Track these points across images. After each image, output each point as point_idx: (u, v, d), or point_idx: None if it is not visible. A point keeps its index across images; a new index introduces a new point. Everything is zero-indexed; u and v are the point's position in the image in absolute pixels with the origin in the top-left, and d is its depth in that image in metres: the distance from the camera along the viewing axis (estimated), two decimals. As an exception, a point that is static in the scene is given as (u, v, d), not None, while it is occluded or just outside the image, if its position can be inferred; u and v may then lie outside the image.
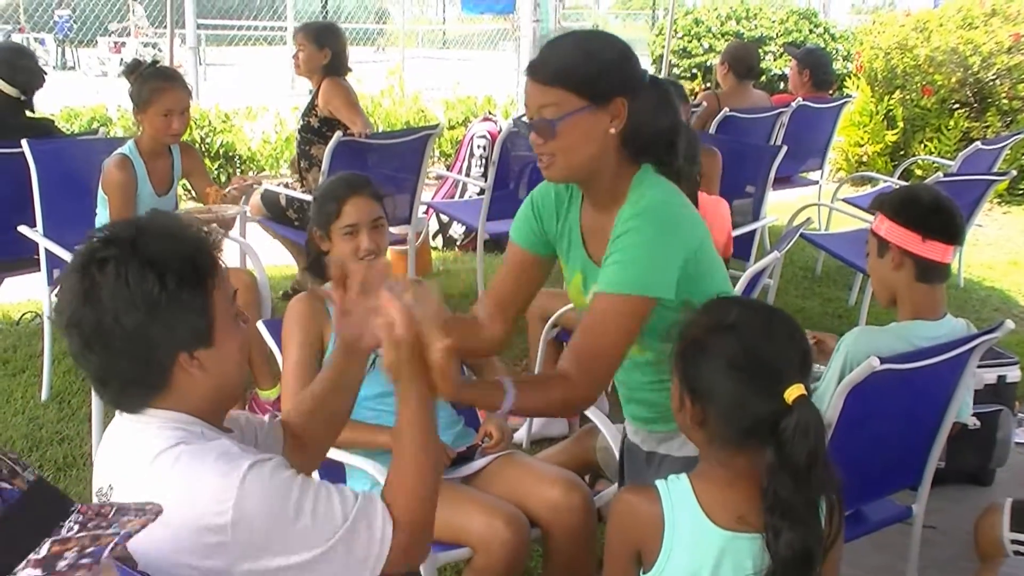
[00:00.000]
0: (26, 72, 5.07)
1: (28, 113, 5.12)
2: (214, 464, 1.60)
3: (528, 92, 2.15)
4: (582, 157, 2.15)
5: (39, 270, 4.55)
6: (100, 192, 4.32)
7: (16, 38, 18.53)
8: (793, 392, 1.78)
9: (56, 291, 4.67)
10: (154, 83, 4.22)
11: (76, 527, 1.23)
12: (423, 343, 1.74)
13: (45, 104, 6.19)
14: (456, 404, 2.98)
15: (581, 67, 2.11)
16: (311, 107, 5.64)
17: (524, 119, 2.18)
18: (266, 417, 2.04)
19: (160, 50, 18.53)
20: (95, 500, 1.70)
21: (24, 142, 4.44)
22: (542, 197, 2.38)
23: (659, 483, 1.92)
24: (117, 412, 1.74)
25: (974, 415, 3.30)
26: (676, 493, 1.90)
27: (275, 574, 1.60)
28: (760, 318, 1.88)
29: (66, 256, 4.22)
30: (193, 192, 4.63)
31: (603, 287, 2.14)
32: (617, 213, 2.19)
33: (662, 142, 2.26)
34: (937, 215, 2.73)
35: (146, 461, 1.62)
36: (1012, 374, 4.13)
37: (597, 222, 2.28)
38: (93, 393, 4.02)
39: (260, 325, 3.15)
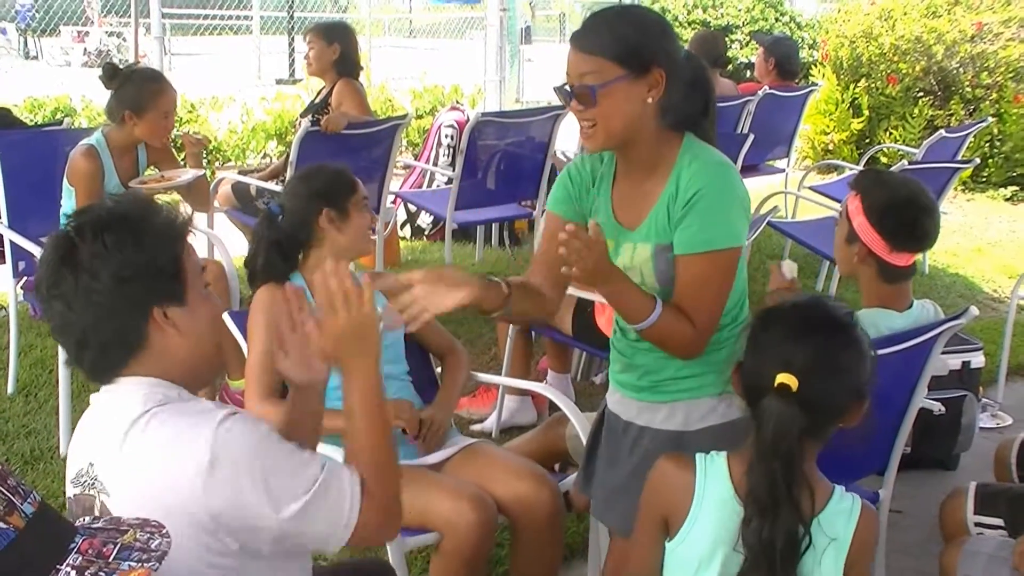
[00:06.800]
0: None
1: None
2: (191, 418, 1.65)
3: (570, 60, 2.25)
4: (620, 124, 2.25)
5: (3, 262, 4.49)
6: (65, 182, 4.25)
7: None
8: (781, 378, 1.84)
9: (22, 283, 4.62)
10: (152, 85, 4.21)
11: (73, 573, 1.24)
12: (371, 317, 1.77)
13: (8, 94, 6.11)
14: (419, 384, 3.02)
15: (622, 37, 2.21)
16: (324, 105, 5.60)
17: (566, 87, 2.26)
18: None
19: (124, 39, 18.34)
20: (70, 488, 1.73)
21: (-12, 132, 4.39)
22: (579, 168, 2.47)
23: (698, 455, 2.00)
24: (92, 396, 1.77)
25: (939, 401, 3.33)
26: (711, 466, 1.98)
27: (264, 533, 1.63)
28: (800, 311, 2.01)
29: (31, 247, 4.18)
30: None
31: (694, 247, 2.24)
32: (666, 177, 2.29)
33: (696, 114, 2.37)
34: (912, 230, 2.70)
35: (122, 429, 1.65)
36: (977, 360, 4.17)
37: (631, 190, 2.37)
38: (60, 386, 3.99)
39: (227, 316, 3.10)
